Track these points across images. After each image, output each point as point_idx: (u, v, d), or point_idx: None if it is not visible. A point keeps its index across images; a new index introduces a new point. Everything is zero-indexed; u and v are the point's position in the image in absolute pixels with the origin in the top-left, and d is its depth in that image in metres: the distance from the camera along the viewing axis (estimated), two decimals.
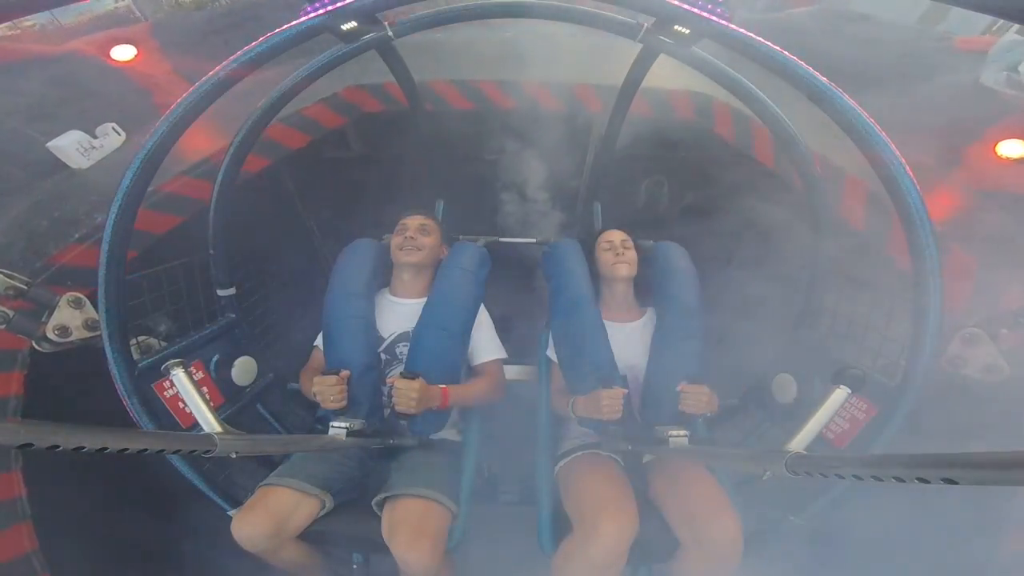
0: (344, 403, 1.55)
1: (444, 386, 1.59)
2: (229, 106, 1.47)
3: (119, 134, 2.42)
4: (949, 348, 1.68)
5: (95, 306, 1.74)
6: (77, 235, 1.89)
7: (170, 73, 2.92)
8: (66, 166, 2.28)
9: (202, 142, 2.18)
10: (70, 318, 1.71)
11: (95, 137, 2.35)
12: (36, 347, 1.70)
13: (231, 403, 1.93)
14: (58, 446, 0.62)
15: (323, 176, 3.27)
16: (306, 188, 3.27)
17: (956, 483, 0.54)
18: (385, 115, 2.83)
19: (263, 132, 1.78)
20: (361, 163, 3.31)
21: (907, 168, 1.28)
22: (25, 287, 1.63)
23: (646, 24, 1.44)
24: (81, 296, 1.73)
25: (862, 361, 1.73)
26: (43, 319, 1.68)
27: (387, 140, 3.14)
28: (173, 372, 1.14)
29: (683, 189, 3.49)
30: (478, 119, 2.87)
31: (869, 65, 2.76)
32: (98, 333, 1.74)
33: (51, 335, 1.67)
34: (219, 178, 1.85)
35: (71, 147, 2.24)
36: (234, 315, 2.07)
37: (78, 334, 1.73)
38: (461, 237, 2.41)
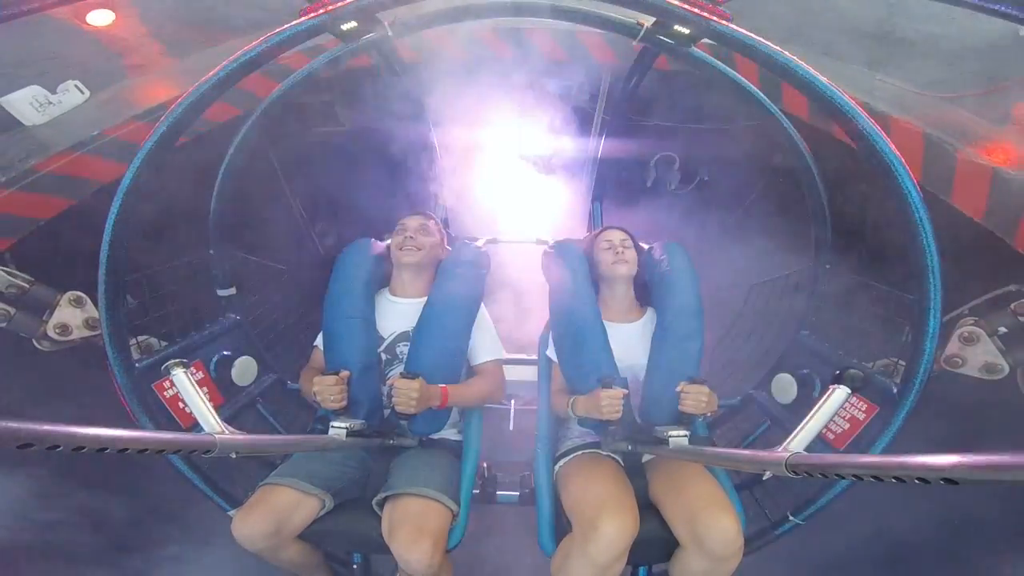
0: (344, 403, 1.55)
1: (444, 386, 1.59)
2: None
3: (82, 92, 2.28)
4: (947, 347, 1.67)
5: (96, 304, 1.73)
6: (4, 179, 1.71)
7: (146, 36, 2.79)
8: (19, 124, 2.13)
9: None
10: (71, 317, 1.71)
11: (54, 93, 2.21)
12: (37, 345, 1.69)
13: (231, 403, 1.93)
14: (58, 446, 0.62)
15: (312, 155, 3.09)
16: (294, 170, 3.10)
17: (956, 483, 0.54)
18: (373, 73, 2.51)
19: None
20: (352, 139, 3.07)
21: (907, 168, 1.28)
22: (27, 285, 1.63)
23: (646, 24, 1.44)
24: (82, 295, 1.73)
25: (862, 361, 1.73)
26: (44, 317, 1.67)
27: (377, 109, 2.79)
28: (173, 372, 1.14)
29: (697, 166, 3.28)
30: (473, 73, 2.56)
31: (896, 25, 2.59)
32: (99, 332, 1.74)
33: (52, 333, 1.67)
34: (219, 179, 1.85)
35: (24, 101, 2.11)
36: (235, 315, 2.07)
37: (79, 332, 1.73)
38: (461, 237, 2.41)
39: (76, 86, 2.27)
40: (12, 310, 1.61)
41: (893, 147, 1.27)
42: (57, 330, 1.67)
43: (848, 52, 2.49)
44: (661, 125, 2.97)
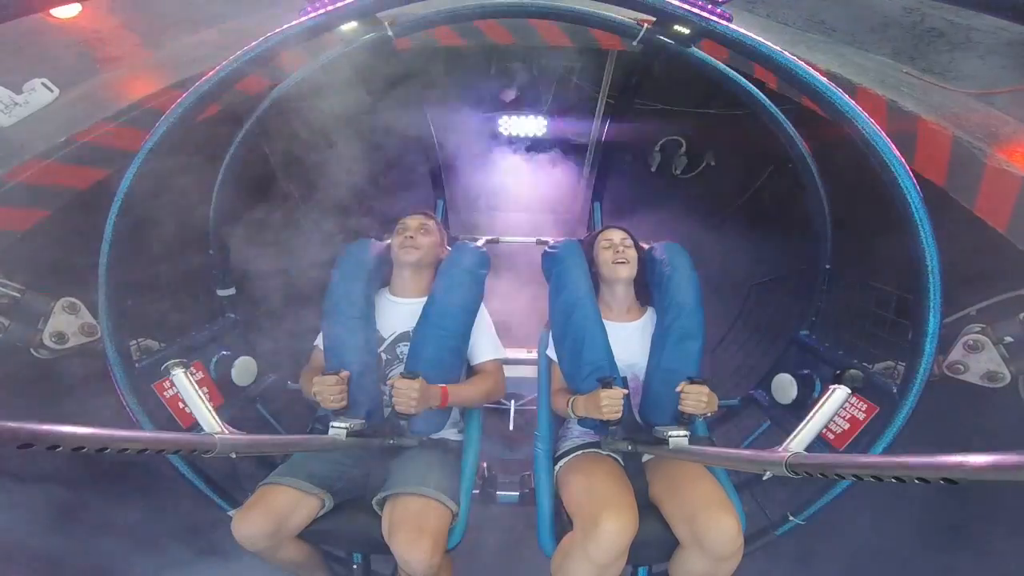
0: (344, 403, 1.55)
1: (444, 386, 1.59)
2: None
3: (50, 90, 2.18)
4: (950, 354, 1.67)
5: (90, 310, 1.73)
6: None
7: (119, 28, 2.69)
8: None
9: None
10: (66, 324, 1.69)
11: (20, 93, 2.12)
12: (35, 354, 1.68)
13: (231, 403, 1.93)
14: (58, 446, 0.62)
15: (310, 155, 3.06)
16: (292, 171, 3.09)
17: (956, 483, 0.54)
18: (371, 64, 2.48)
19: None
20: (350, 138, 2.87)
21: (907, 168, 1.27)
22: (18, 294, 1.62)
23: (646, 24, 1.44)
24: (76, 301, 1.71)
25: (862, 362, 1.73)
26: (39, 326, 1.66)
27: (375, 105, 2.73)
28: (173, 372, 1.14)
29: (704, 149, 3.23)
30: (471, 61, 2.52)
31: (925, 14, 2.47)
32: (95, 338, 1.73)
33: (48, 342, 1.66)
34: (219, 177, 1.85)
35: None
36: (234, 315, 2.06)
37: (75, 340, 1.71)
38: (461, 237, 2.41)
39: (43, 84, 2.19)
40: (7, 321, 1.58)
41: (893, 147, 1.27)
42: (53, 338, 1.65)
43: (872, 41, 2.42)
44: (667, 109, 2.92)
